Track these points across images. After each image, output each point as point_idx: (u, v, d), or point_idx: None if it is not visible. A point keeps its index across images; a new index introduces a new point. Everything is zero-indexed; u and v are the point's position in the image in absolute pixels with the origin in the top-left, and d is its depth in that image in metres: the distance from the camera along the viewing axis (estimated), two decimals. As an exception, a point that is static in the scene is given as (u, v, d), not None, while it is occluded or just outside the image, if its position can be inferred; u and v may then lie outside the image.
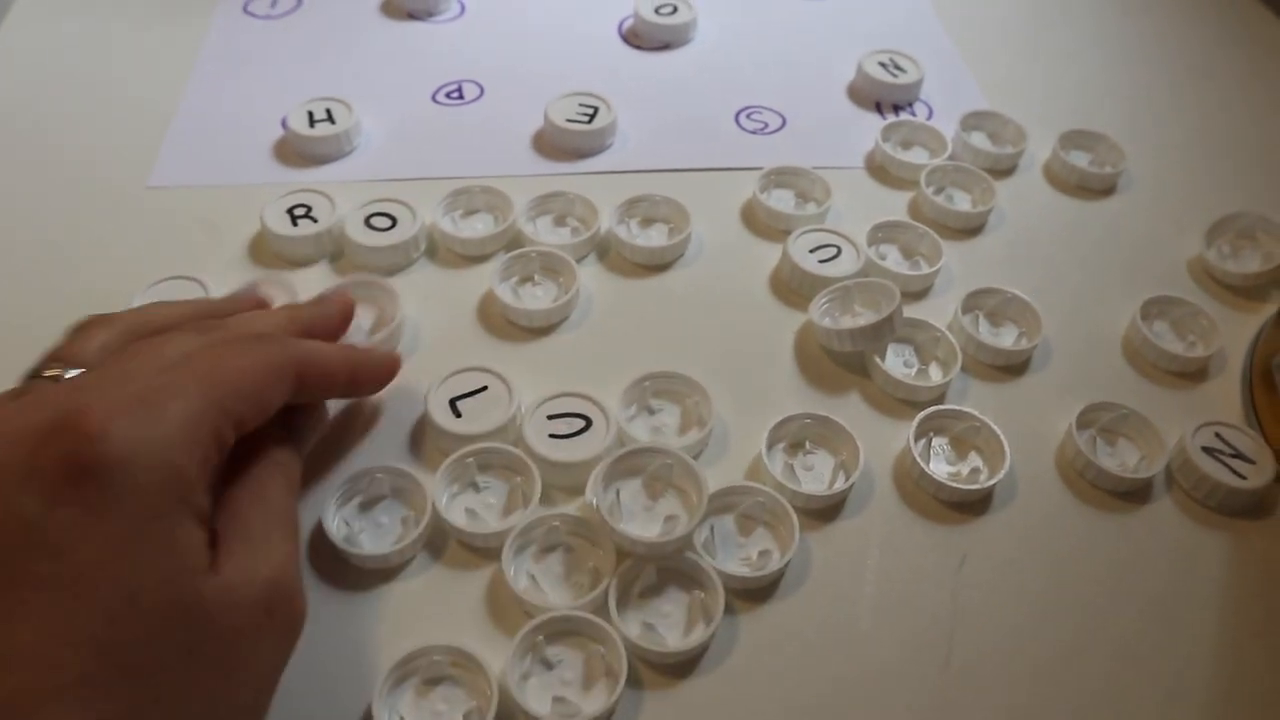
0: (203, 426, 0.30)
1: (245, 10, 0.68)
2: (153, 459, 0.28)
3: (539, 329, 0.49)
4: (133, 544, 0.27)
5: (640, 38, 0.67)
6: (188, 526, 0.29)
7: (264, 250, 0.52)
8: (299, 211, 0.51)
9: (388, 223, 0.51)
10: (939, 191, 0.58)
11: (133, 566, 0.27)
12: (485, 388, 0.44)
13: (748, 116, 0.61)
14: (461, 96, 0.62)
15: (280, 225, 0.51)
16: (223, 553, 0.31)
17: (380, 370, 0.41)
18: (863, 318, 0.49)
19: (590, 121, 0.58)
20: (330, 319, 0.42)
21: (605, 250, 0.53)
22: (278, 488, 0.34)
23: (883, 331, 0.48)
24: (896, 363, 0.49)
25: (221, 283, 0.49)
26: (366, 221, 0.51)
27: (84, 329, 0.36)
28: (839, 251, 0.52)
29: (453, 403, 0.44)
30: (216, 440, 0.31)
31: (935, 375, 0.48)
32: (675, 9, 0.67)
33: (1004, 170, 0.60)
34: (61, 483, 0.27)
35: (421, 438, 0.44)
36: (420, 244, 0.52)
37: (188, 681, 0.28)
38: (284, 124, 0.58)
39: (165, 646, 0.27)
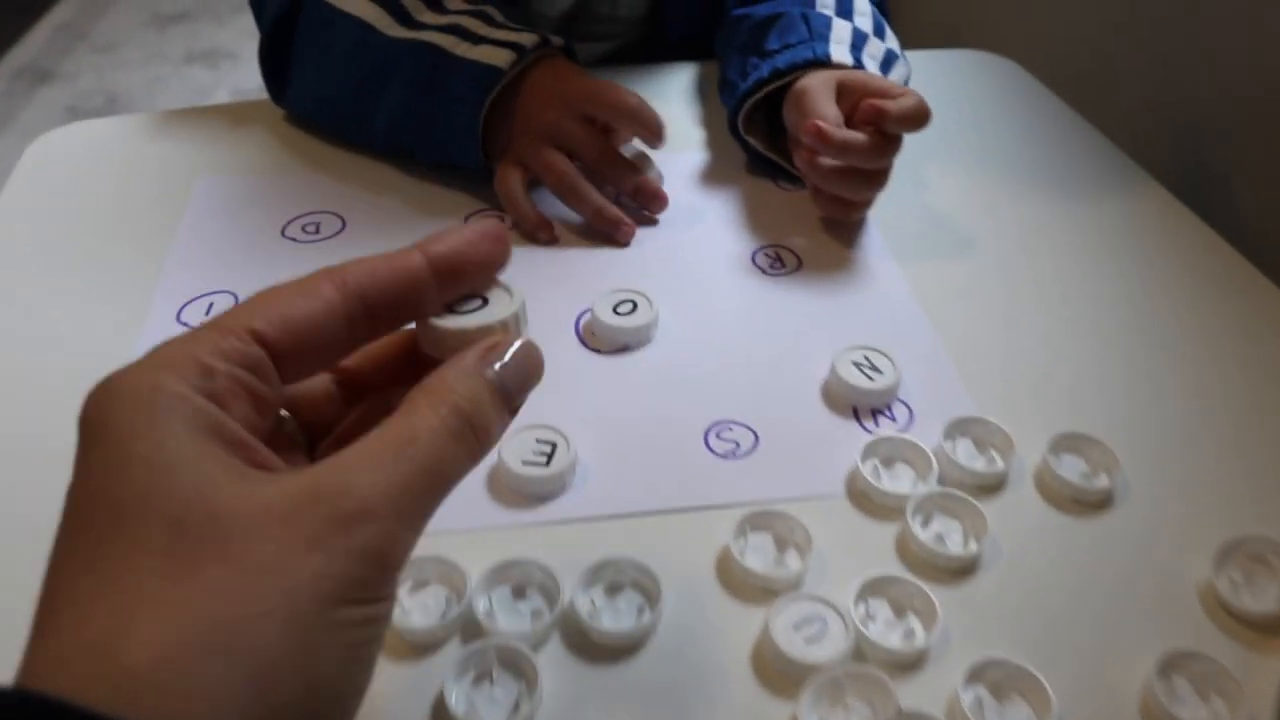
0: (190, 344, 0.29)
1: (178, 320, 0.63)
2: (127, 388, 0.28)
3: (499, 744, 0.44)
4: (127, 475, 0.27)
5: (597, 339, 0.63)
6: (185, 444, 0.27)
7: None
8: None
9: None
10: (926, 523, 0.53)
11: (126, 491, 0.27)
12: None
13: (717, 435, 0.57)
14: (409, 425, 0.57)
15: None
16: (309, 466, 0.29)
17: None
18: (857, 715, 0.45)
19: (548, 464, 0.53)
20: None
21: (569, 629, 0.48)
22: (437, 426, 0.30)
23: (880, 743, 0.43)
24: (897, 766, 0.43)
25: None
26: None
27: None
28: (825, 625, 0.48)
29: None
30: (213, 350, 0.29)
31: (941, 781, 0.43)
32: (634, 306, 0.63)
33: (992, 486, 0.56)
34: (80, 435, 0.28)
35: None
36: None
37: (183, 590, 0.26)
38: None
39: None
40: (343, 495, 0.27)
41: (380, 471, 0.28)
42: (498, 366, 0.33)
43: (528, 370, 0.34)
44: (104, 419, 0.28)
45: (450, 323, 0.34)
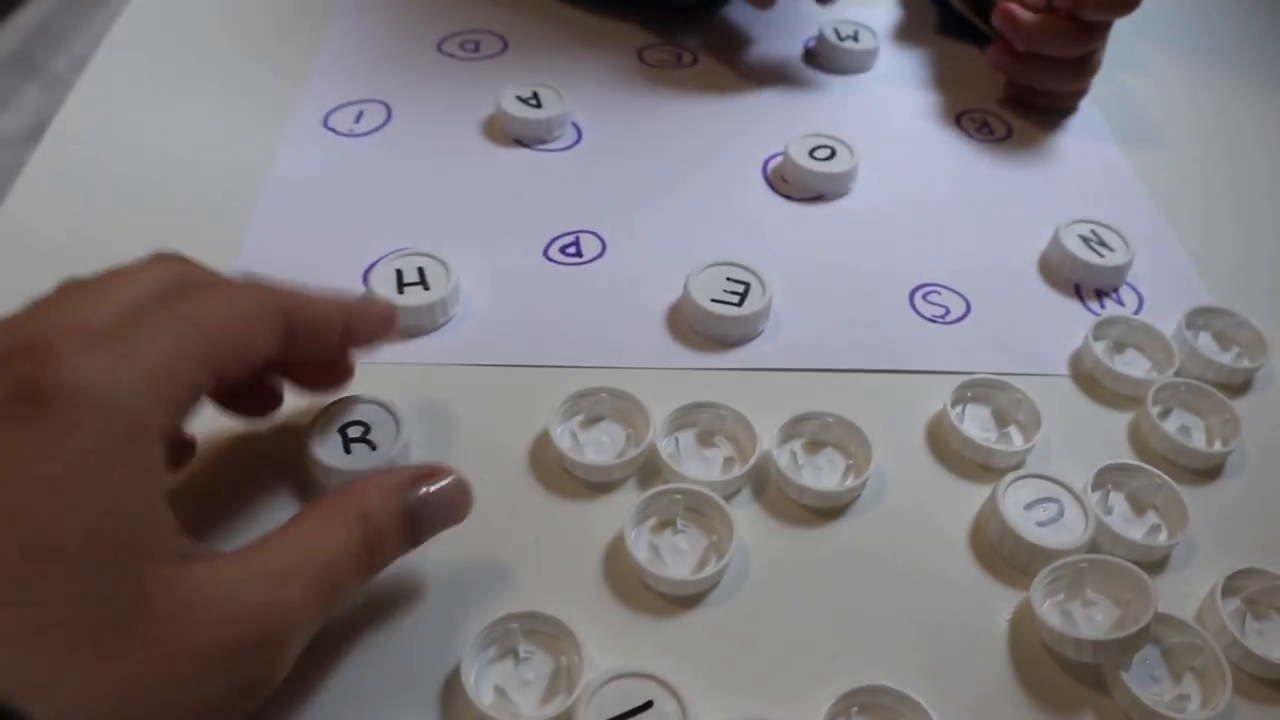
0: (176, 371, 0.28)
1: (325, 125, 0.57)
2: (113, 397, 0.26)
3: (682, 599, 0.38)
4: (69, 491, 0.24)
5: (789, 184, 0.56)
6: (142, 491, 0.26)
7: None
8: (353, 433, 0.41)
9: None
10: (1165, 414, 0.46)
11: (64, 514, 0.24)
12: (650, 704, 0.34)
13: (924, 298, 0.50)
14: (579, 253, 0.51)
15: (332, 456, 0.40)
16: (218, 557, 0.28)
17: (376, 320, 0.38)
18: (1099, 611, 0.38)
19: (741, 303, 0.47)
20: (375, 314, 0.38)
21: (763, 484, 0.42)
22: (343, 541, 0.30)
23: (1134, 645, 0.36)
24: (1143, 675, 0.37)
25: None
26: None
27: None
28: (1061, 510, 0.41)
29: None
30: (191, 388, 0.28)
31: (1194, 698, 0.37)
32: (833, 152, 0.56)
33: (1237, 386, 0.49)
34: (8, 406, 0.25)
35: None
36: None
37: (99, 672, 0.24)
38: (366, 282, 0.48)
39: (77, 615, 0.24)
40: (263, 617, 0.27)
41: (297, 591, 0.28)
42: (422, 492, 0.33)
43: (451, 510, 0.34)
44: (72, 407, 0.25)
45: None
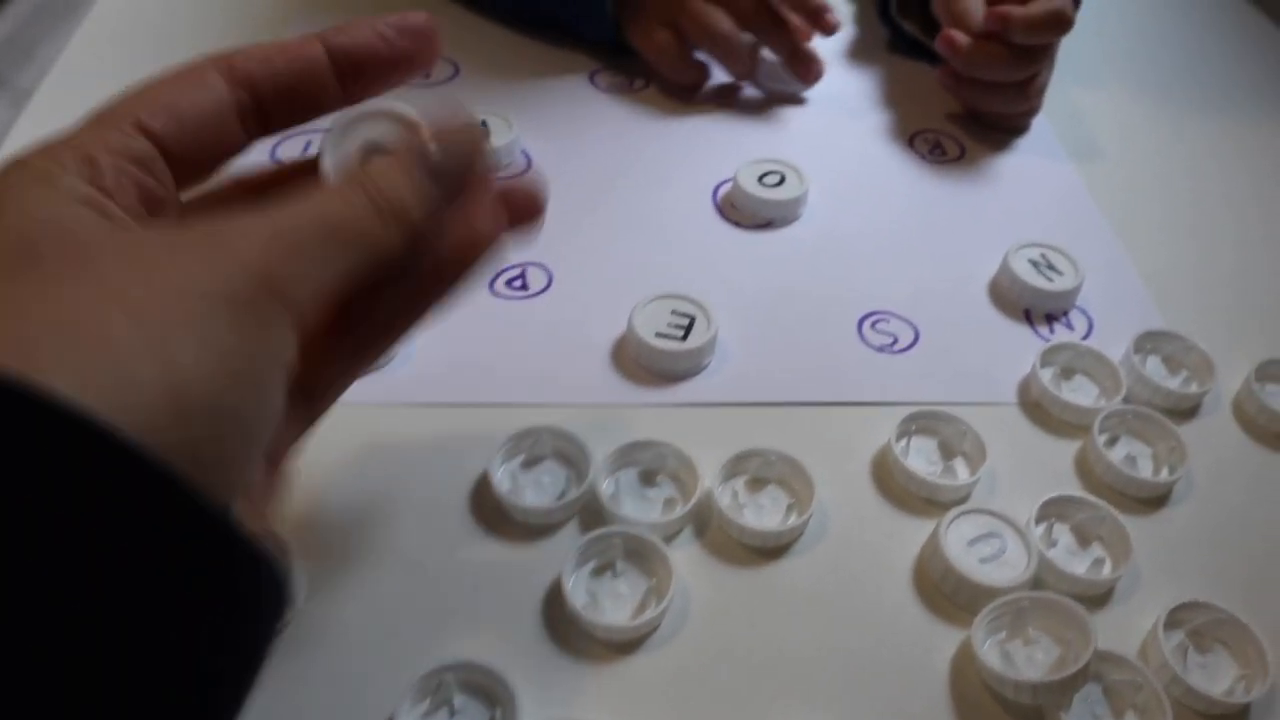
0: (83, 138, 0.26)
1: (272, 156, 0.57)
2: (25, 161, 0.25)
3: (621, 644, 0.38)
4: None
5: (738, 211, 0.56)
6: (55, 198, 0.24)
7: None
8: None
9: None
10: (1112, 443, 0.46)
11: None
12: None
13: (872, 327, 0.50)
14: (525, 286, 0.51)
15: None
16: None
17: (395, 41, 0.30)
18: (1040, 650, 0.38)
19: (685, 338, 0.47)
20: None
21: (704, 524, 0.42)
22: (341, 203, 0.27)
23: (1073, 686, 0.36)
24: (1084, 714, 0.37)
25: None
26: None
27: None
28: (1004, 545, 0.41)
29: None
30: (136, 126, 0.26)
31: (1135, 736, 0.37)
32: (782, 179, 0.56)
33: (1185, 410, 0.49)
34: None
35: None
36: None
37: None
38: (309, 320, 0.47)
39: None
40: (223, 227, 0.24)
41: (299, 236, 0.25)
42: (437, 147, 0.29)
43: (466, 155, 0.30)
44: None
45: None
